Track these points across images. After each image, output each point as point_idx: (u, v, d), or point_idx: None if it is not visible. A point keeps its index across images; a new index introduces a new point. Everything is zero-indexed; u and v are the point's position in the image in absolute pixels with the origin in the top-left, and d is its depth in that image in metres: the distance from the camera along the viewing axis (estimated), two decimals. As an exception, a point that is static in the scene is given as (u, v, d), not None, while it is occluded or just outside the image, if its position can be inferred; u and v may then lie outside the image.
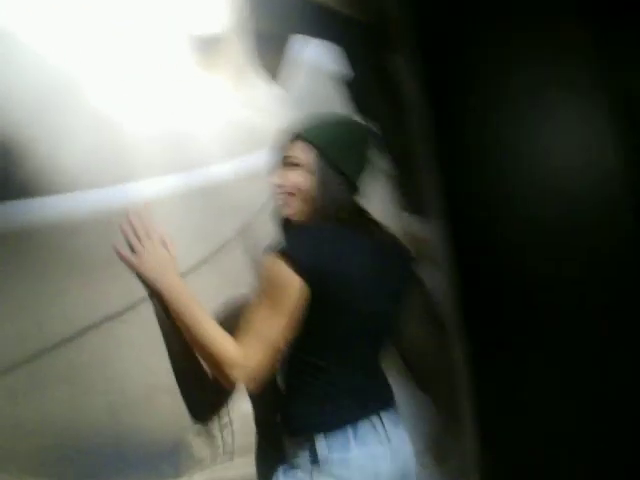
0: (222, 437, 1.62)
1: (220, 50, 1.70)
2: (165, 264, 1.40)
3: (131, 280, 1.37)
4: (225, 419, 1.61)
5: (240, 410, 1.60)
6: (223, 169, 1.62)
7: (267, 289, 1.31)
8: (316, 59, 2.11)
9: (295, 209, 1.42)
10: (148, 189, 1.44)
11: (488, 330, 1.71)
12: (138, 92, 1.47)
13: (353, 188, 1.44)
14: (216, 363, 1.31)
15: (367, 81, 2.18)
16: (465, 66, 1.77)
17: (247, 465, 1.55)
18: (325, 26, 2.12)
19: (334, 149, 1.41)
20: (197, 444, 1.59)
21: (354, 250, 1.38)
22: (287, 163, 1.43)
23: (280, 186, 1.43)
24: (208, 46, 1.66)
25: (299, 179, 1.41)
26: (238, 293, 1.54)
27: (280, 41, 2.01)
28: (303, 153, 1.41)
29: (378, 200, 1.93)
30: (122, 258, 1.37)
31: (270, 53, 1.93)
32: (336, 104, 2.08)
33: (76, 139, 1.33)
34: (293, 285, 1.29)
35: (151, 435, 1.43)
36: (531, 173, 1.71)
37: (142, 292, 1.38)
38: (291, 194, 1.42)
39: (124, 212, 1.38)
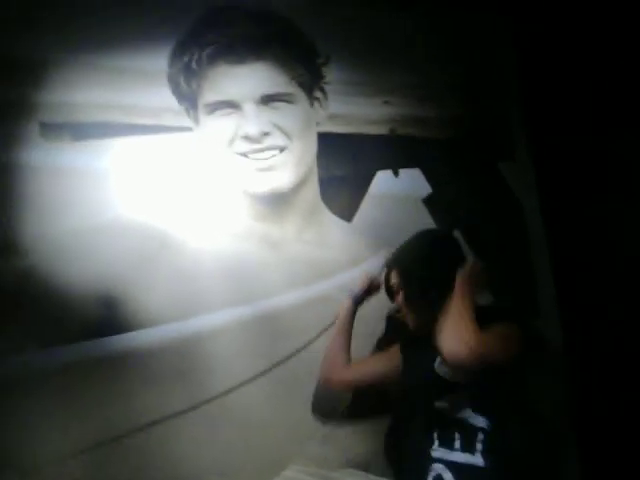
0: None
1: (285, 202, 2.07)
2: None
3: (192, 390, 1.84)
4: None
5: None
6: (282, 299, 2.03)
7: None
8: (395, 188, 2.38)
9: (416, 325, 1.67)
10: (214, 320, 1.91)
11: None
12: (209, 246, 1.98)
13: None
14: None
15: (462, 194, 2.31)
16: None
17: None
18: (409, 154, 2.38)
19: (419, 272, 1.64)
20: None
21: None
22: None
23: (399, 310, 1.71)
24: (273, 199, 2.06)
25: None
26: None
27: (359, 180, 2.26)
28: (395, 279, 1.70)
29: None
30: None
31: (348, 192, 2.23)
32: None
33: (161, 286, 1.86)
34: None
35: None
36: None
37: (199, 398, 1.84)
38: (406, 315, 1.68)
39: (191, 340, 1.86)
